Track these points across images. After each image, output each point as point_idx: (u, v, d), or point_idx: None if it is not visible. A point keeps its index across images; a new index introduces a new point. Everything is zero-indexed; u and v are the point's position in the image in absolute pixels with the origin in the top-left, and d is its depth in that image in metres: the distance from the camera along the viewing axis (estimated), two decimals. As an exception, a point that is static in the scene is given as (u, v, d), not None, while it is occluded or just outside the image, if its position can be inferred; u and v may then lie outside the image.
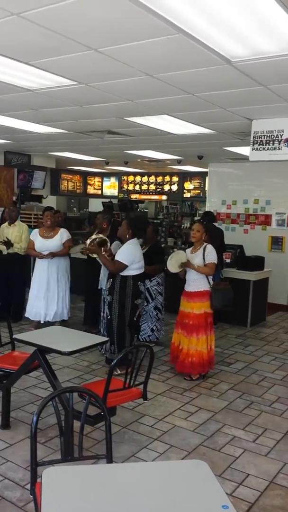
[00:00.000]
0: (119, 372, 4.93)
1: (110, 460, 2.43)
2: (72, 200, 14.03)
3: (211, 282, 4.94)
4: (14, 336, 3.86)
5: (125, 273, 4.89)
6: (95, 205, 14.04)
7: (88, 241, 5.22)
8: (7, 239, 6.76)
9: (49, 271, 6.25)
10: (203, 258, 4.90)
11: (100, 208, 13.64)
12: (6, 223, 7.05)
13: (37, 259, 6.42)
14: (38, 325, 6.22)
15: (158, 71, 3.32)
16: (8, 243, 6.73)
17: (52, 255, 6.17)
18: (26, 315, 6.33)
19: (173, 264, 5.02)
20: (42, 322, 6.26)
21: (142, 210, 13.88)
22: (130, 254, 4.86)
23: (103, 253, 5.05)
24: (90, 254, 5.33)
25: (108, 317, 5.04)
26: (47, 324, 6.15)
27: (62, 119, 5.19)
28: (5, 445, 3.61)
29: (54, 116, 5.06)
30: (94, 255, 5.07)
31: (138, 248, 5.01)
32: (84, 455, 2.50)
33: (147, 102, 4.23)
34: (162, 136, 6.02)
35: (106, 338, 3.91)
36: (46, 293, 6.23)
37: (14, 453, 3.50)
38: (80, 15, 2.44)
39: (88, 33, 2.69)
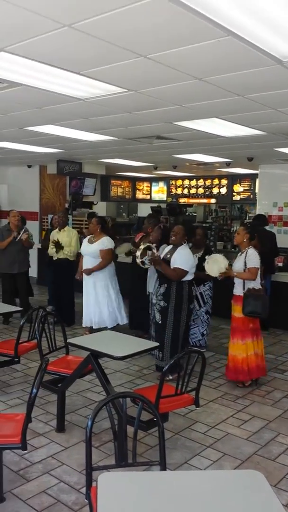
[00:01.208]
0: (170, 377, 4.93)
1: (163, 467, 2.41)
2: (122, 206, 14.17)
3: (246, 287, 4.82)
4: (68, 340, 3.93)
5: (182, 279, 4.89)
6: (144, 210, 14.11)
7: (138, 253, 5.22)
8: (57, 240, 6.94)
9: (95, 277, 6.30)
10: (244, 263, 4.81)
11: (148, 213, 13.76)
12: (57, 229, 7.24)
13: (83, 265, 6.50)
14: (91, 329, 6.31)
15: (207, 74, 3.29)
16: (58, 245, 6.90)
17: (88, 272, 6.21)
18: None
19: (210, 267, 4.99)
20: (95, 327, 6.33)
21: (190, 214, 13.82)
22: (189, 260, 4.89)
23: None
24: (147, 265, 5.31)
25: (160, 322, 5.04)
26: (101, 329, 6.24)
27: (112, 126, 5.26)
28: (60, 448, 3.68)
29: (104, 124, 5.13)
30: (157, 267, 5.03)
31: (191, 253, 5.01)
32: (137, 461, 2.50)
33: (196, 106, 4.20)
34: (211, 139, 5.96)
35: (157, 343, 3.89)
36: (95, 299, 6.29)
37: (69, 456, 3.57)
38: (129, 23, 2.46)
39: (137, 40, 2.71)
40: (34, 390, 2.80)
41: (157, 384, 3.39)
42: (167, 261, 5.01)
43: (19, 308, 5.21)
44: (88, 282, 6.36)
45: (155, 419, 3.08)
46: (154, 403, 3.10)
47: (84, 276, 6.38)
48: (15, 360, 4.51)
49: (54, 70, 3.25)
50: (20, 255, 7.15)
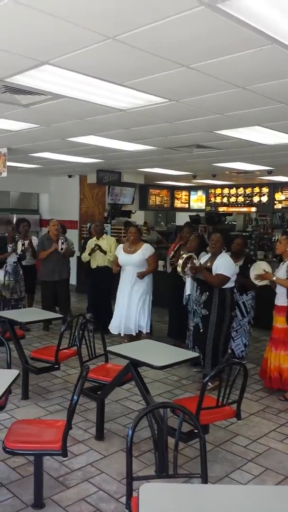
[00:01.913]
0: (211, 385, 4.87)
1: (205, 480, 2.37)
2: (160, 214, 14.23)
3: None
4: (108, 348, 3.95)
5: (224, 285, 4.84)
6: (182, 219, 14.09)
7: (180, 262, 5.21)
8: (98, 245, 7.01)
9: (134, 286, 6.26)
10: (287, 271, 4.70)
11: (186, 221, 13.73)
12: (94, 238, 7.32)
13: (121, 274, 6.52)
14: (131, 338, 6.30)
15: (250, 82, 3.27)
16: (100, 249, 6.98)
17: (142, 275, 6.18)
18: (109, 328, 6.38)
19: (255, 276, 4.94)
20: (122, 334, 6.32)
21: (230, 223, 13.68)
22: (231, 267, 4.86)
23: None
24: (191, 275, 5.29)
25: (201, 331, 4.99)
26: (134, 337, 6.25)
27: (152, 136, 5.29)
28: (99, 456, 3.69)
29: (144, 134, 5.18)
30: (199, 274, 5.02)
31: (232, 260, 4.96)
32: (178, 473, 2.47)
33: (237, 114, 4.17)
34: (252, 148, 5.90)
35: (197, 354, 3.85)
36: (128, 306, 6.27)
37: (108, 465, 3.56)
38: (172, 34, 2.48)
39: (180, 51, 2.72)
40: (75, 397, 2.83)
41: (197, 395, 3.36)
42: (207, 269, 4.98)
43: (59, 315, 5.29)
44: (125, 291, 6.33)
45: (195, 430, 3.05)
46: (195, 414, 3.06)
47: (123, 285, 6.37)
48: (56, 366, 4.57)
49: (97, 82, 3.32)
50: (60, 263, 7.27)
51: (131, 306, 6.27)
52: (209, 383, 4.82)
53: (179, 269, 5.18)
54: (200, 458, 2.41)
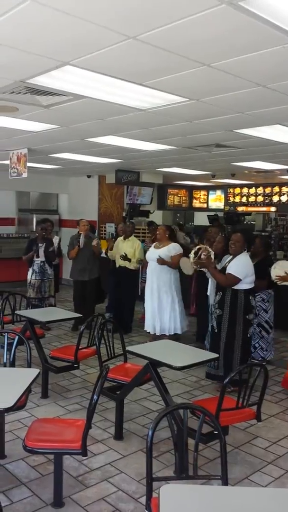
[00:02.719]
0: (232, 388, 4.84)
1: (225, 482, 2.36)
2: (178, 214, 14.16)
3: None
4: (127, 348, 3.95)
5: (236, 286, 4.78)
6: (201, 219, 14.03)
7: (191, 255, 5.19)
8: (125, 254, 7.04)
9: (158, 282, 6.36)
10: None
11: (205, 221, 13.64)
12: (121, 238, 7.34)
13: (147, 272, 6.57)
14: (154, 337, 6.33)
15: (271, 81, 3.23)
16: (125, 258, 7.01)
17: (161, 262, 6.23)
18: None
19: (277, 272, 4.86)
20: (157, 334, 6.36)
21: (249, 223, 13.56)
22: (244, 268, 4.76)
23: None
24: (198, 267, 5.31)
25: (216, 331, 4.97)
26: (158, 337, 6.26)
27: (171, 135, 5.28)
28: (118, 456, 3.69)
29: (163, 133, 5.16)
30: (203, 269, 5.03)
31: (250, 262, 4.88)
32: (198, 474, 2.46)
33: (258, 113, 4.13)
34: (272, 146, 5.84)
35: (216, 355, 3.83)
36: (158, 305, 6.33)
37: (127, 465, 3.57)
38: (193, 33, 2.46)
39: (201, 50, 2.70)
40: (95, 397, 2.84)
41: (217, 396, 3.33)
42: (224, 269, 4.94)
43: (78, 315, 5.32)
44: (152, 288, 6.41)
45: (215, 432, 3.03)
46: (215, 415, 3.04)
47: (149, 281, 6.45)
48: (75, 365, 4.59)
49: (117, 82, 3.32)
50: (90, 263, 7.32)
51: (154, 303, 6.33)
52: (230, 386, 4.84)
53: (191, 260, 5.16)
54: (220, 460, 2.40)
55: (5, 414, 3.58)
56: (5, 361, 3.80)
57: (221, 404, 3.13)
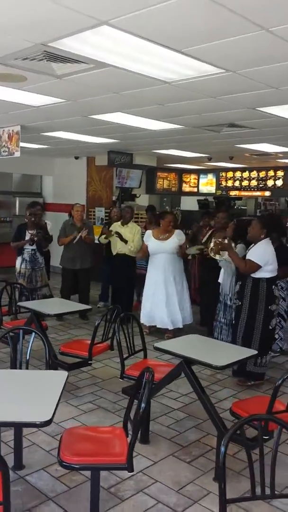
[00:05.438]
0: (252, 382, 4.67)
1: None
2: (165, 199, 13.81)
3: None
4: (155, 345, 3.60)
5: (257, 275, 4.52)
6: (188, 203, 13.71)
7: (212, 244, 4.95)
8: (117, 232, 6.68)
9: (165, 273, 6.02)
10: None
11: (193, 206, 13.33)
12: (119, 223, 6.96)
13: (150, 261, 6.22)
14: (174, 334, 5.98)
15: None
16: (121, 238, 6.66)
17: (182, 254, 6.05)
18: (142, 320, 6.08)
19: None
20: (170, 328, 6.06)
21: (239, 208, 13.35)
22: (265, 254, 4.50)
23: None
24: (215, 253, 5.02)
25: (234, 322, 4.72)
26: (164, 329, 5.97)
27: (186, 113, 4.91)
28: (149, 463, 3.39)
29: (179, 111, 4.78)
30: (224, 254, 4.75)
31: (272, 249, 4.60)
32: (278, 492, 2.16)
33: (292, 89, 3.81)
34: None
35: (255, 351, 3.54)
36: (167, 297, 6.00)
37: (161, 472, 3.27)
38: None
39: (265, 11, 2.35)
40: (143, 405, 2.51)
41: (258, 397, 3.08)
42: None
43: (89, 307, 4.94)
44: (157, 279, 6.05)
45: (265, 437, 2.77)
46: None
47: (154, 273, 6.08)
48: (89, 362, 4.25)
49: (153, 48, 2.92)
50: (82, 251, 6.92)
51: (170, 297, 6.01)
52: (251, 380, 4.64)
53: (212, 253, 4.91)
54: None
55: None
56: (19, 360, 3.39)
57: (272, 407, 2.85)
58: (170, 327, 6.02)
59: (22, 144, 7.65)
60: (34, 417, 2.27)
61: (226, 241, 4.93)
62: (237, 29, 2.56)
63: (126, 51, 3.01)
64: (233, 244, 4.90)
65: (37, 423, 2.22)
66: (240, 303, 4.65)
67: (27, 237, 6.34)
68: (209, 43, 2.80)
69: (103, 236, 7.05)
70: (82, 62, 3.28)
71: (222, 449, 2.05)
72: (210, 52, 2.96)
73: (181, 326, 6.06)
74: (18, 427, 2.99)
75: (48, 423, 2.25)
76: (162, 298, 5.98)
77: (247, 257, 4.58)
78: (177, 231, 6.08)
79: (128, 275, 6.85)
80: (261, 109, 4.56)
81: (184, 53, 3.01)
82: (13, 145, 6.38)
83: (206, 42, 2.80)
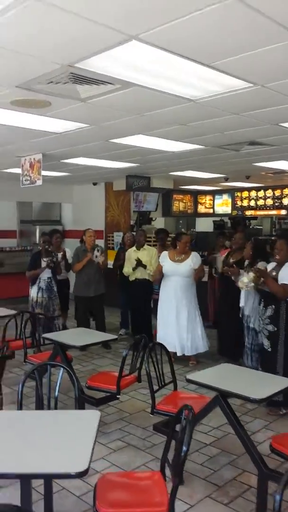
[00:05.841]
0: (284, 411, 4.47)
1: None
2: (180, 221, 13.67)
3: None
4: (188, 377, 3.36)
5: (291, 298, 4.30)
6: (204, 225, 13.54)
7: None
8: (138, 259, 6.53)
9: (177, 296, 5.81)
10: None
11: (208, 227, 13.11)
12: (134, 248, 6.82)
13: (162, 284, 6.02)
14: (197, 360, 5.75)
15: None
16: (140, 263, 6.49)
17: (197, 278, 5.86)
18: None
19: None
20: (179, 354, 5.83)
21: (254, 227, 13.12)
22: None
23: None
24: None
25: (270, 350, 4.47)
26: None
27: (208, 132, 4.77)
28: (186, 506, 3.12)
29: (202, 130, 4.64)
30: (260, 281, 4.53)
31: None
32: None
33: None
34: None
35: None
36: (177, 322, 5.79)
37: (201, 518, 3.00)
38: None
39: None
40: (184, 448, 2.27)
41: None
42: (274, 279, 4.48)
43: (114, 337, 4.70)
44: (170, 304, 5.85)
45: None
46: None
47: (167, 296, 5.89)
48: (117, 396, 4.01)
49: (180, 62, 2.78)
50: (96, 277, 6.74)
51: (181, 322, 5.80)
52: (283, 409, 4.39)
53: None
54: None
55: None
56: (48, 398, 3.15)
57: None
58: (179, 353, 5.82)
59: (43, 173, 7.62)
60: (68, 467, 2.04)
61: (259, 266, 4.77)
62: (272, 38, 2.41)
63: (153, 67, 2.88)
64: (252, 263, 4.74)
65: (72, 474, 1.99)
66: (275, 328, 4.42)
67: (43, 265, 6.20)
68: (240, 54, 2.65)
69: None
70: (108, 82, 3.15)
71: (278, 497, 1.81)
72: (239, 65, 2.82)
73: (194, 353, 5.88)
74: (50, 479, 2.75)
75: (83, 474, 2.02)
76: (172, 323, 5.80)
77: (280, 281, 4.37)
78: (193, 253, 5.92)
79: (146, 302, 6.67)
80: (285, 124, 4.40)
81: (213, 67, 2.87)
82: (35, 174, 6.27)
83: (237, 54, 2.65)
